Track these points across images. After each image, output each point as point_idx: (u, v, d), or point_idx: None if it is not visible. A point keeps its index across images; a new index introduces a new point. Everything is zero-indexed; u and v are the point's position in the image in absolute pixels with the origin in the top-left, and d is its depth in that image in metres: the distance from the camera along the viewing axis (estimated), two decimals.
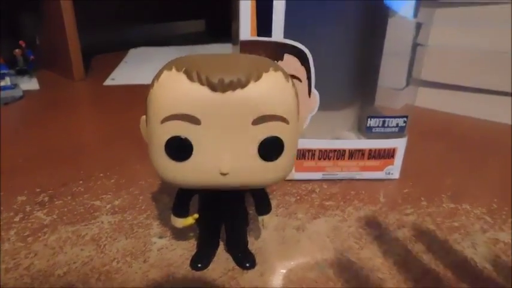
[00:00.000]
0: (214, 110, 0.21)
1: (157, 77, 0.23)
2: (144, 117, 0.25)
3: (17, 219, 0.34)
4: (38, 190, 0.39)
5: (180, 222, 0.27)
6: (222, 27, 1.28)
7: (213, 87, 0.21)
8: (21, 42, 0.75)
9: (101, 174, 0.42)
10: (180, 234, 0.32)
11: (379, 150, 0.39)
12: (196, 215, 0.27)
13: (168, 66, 0.23)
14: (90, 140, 0.51)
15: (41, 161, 0.45)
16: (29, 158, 0.46)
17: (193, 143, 0.22)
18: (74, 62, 0.76)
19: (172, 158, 0.22)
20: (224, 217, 0.28)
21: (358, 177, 0.40)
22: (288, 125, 0.22)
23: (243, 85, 0.21)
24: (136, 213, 0.35)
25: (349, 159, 0.39)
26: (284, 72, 0.23)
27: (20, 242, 0.31)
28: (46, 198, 0.37)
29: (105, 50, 1.00)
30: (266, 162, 0.23)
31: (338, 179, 0.40)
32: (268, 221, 0.28)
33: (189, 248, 0.31)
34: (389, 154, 0.40)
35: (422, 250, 0.30)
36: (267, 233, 0.32)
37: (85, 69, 0.78)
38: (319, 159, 0.39)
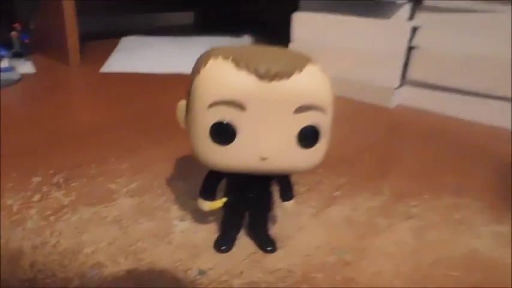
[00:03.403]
0: (259, 98, 0.23)
1: (203, 64, 0.24)
2: (182, 102, 0.26)
3: (35, 199, 0.35)
4: (51, 172, 0.39)
5: (208, 205, 0.28)
6: (210, 20, 1.29)
7: (260, 76, 0.22)
8: (16, 25, 0.74)
9: (113, 159, 0.42)
10: (200, 218, 0.33)
11: None
12: (224, 199, 0.28)
13: (213, 55, 0.24)
14: (96, 125, 0.51)
15: (50, 143, 0.45)
16: (37, 139, 0.46)
17: (237, 128, 0.23)
18: (70, 47, 0.76)
19: (216, 141, 0.24)
20: (250, 202, 0.29)
21: None
22: (325, 115, 0.24)
23: (288, 75, 0.23)
24: (154, 197, 0.36)
25: None
26: (319, 65, 0.25)
27: (42, 220, 0.32)
28: (61, 180, 0.38)
29: (96, 38, 0.99)
30: (303, 149, 0.24)
31: None
32: (290, 207, 0.29)
33: (211, 230, 0.32)
34: None
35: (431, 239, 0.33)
36: (285, 219, 0.34)
37: (80, 56, 0.78)
38: None
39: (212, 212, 0.30)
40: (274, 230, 0.32)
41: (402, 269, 0.29)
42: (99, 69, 0.76)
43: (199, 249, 0.30)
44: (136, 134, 0.48)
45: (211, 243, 0.30)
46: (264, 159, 0.24)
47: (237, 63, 0.23)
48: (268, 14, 0.75)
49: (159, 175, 0.39)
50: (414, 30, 0.61)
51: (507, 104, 0.56)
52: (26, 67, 0.72)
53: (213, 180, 0.28)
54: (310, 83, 0.23)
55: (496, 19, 0.54)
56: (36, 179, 0.38)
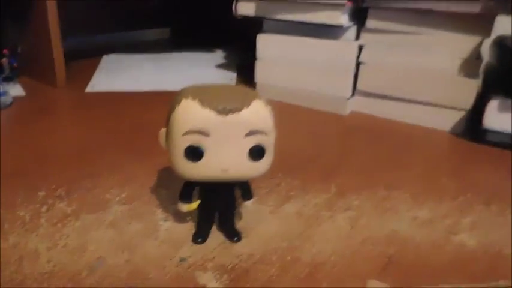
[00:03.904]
0: (219, 127, 0.32)
1: (177, 102, 0.32)
2: (163, 130, 0.34)
3: (43, 209, 0.42)
4: (53, 186, 0.46)
5: (186, 207, 0.37)
6: (185, 36, 1.37)
7: (219, 112, 0.31)
8: (5, 50, 0.80)
9: (105, 173, 0.50)
10: (180, 218, 0.41)
11: None
12: (198, 201, 0.37)
13: (185, 95, 0.32)
14: (86, 143, 0.59)
15: (47, 161, 0.53)
16: (35, 159, 0.53)
17: (204, 149, 0.32)
18: (57, 69, 0.82)
19: (189, 159, 0.32)
20: (219, 203, 0.38)
21: None
22: (267, 136, 0.33)
23: (239, 110, 0.31)
24: (142, 203, 0.44)
25: None
26: (264, 100, 0.33)
27: (51, 227, 0.40)
28: (63, 193, 0.45)
29: (78, 57, 1.06)
30: (253, 162, 0.33)
31: None
32: (250, 206, 0.38)
33: (189, 227, 0.40)
34: None
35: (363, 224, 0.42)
36: (249, 215, 0.42)
37: None
38: None
39: (189, 213, 0.38)
40: (239, 224, 0.41)
41: (337, 248, 0.38)
42: (84, 89, 0.83)
43: (181, 242, 0.38)
44: (123, 151, 0.56)
45: (190, 237, 0.39)
46: (224, 170, 0.33)
47: (202, 102, 0.32)
48: (237, 32, 0.83)
49: (145, 185, 0.47)
50: (361, 48, 0.70)
51: (442, 109, 0.66)
52: (16, 90, 0.78)
53: (188, 188, 0.37)
54: (255, 115, 0.32)
55: (427, 40, 0.64)
56: (41, 193, 0.45)
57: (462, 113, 0.65)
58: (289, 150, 0.57)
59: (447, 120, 0.66)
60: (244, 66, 1.00)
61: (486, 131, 0.60)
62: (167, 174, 0.50)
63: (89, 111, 0.72)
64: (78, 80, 0.87)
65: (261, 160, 0.34)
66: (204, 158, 0.32)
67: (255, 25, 0.79)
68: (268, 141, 0.33)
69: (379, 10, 0.66)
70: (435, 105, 0.66)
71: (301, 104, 0.76)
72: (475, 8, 0.59)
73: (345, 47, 0.71)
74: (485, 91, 0.61)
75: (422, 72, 0.66)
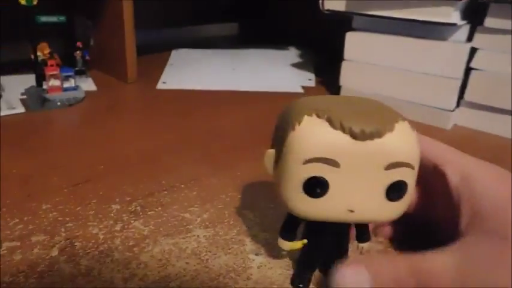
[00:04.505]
0: (352, 156, 0.24)
1: (297, 121, 0.25)
2: (271, 151, 0.27)
3: (118, 227, 0.37)
4: (128, 199, 0.41)
5: (288, 246, 0.30)
6: (255, 31, 1.31)
7: (354, 136, 0.24)
8: (78, 43, 0.78)
9: (182, 186, 0.44)
10: (273, 252, 0.34)
11: None
12: (305, 241, 0.30)
13: (307, 112, 0.25)
14: (158, 148, 0.53)
15: (118, 167, 0.48)
16: (105, 164, 0.48)
17: (329, 182, 0.25)
18: (129, 64, 0.79)
19: (308, 194, 0.25)
20: (329, 244, 0.30)
21: None
22: (413, 170, 0.25)
23: (380, 135, 0.24)
24: (227, 228, 0.38)
25: None
26: (407, 123, 0.26)
27: (127, 251, 0.34)
28: (138, 208, 0.40)
29: (148, 51, 1.03)
30: (390, 202, 0.25)
31: None
32: (366, 248, 0.30)
33: (285, 266, 0.33)
34: None
35: None
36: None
37: None
38: None
39: (290, 252, 0.31)
40: None
41: None
42: (154, 85, 0.79)
43: (277, 286, 0.31)
44: (199, 160, 0.50)
45: (286, 279, 0.32)
46: (351, 211, 0.25)
47: (332, 122, 0.24)
48: (315, 29, 0.75)
49: (228, 204, 0.41)
50: (473, 51, 0.60)
51: None
52: (88, 84, 0.76)
53: (293, 223, 0.30)
54: (401, 142, 0.24)
55: None
56: (115, 207, 0.40)
57: None
58: None
59: None
60: (321, 67, 0.92)
61: None
62: (252, 191, 0.44)
63: (160, 111, 0.67)
64: (149, 75, 0.83)
65: (400, 200, 0.26)
66: (327, 195, 0.25)
67: (338, 23, 0.70)
68: (412, 177, 0.25)
69: (504, 5, 0.56)
70: None
71: None
72: None
73: (453, 49, 0.61)
74: None
75: None
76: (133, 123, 0.61)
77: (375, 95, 0.67)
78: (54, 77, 0.66)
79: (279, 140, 0.26)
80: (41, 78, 0.66)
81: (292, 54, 1.03)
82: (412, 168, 0.25)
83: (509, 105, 0.58)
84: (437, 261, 0.25)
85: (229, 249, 0.35)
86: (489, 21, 0.58)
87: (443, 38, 0.62)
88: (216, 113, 0.66)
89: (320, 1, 0.71)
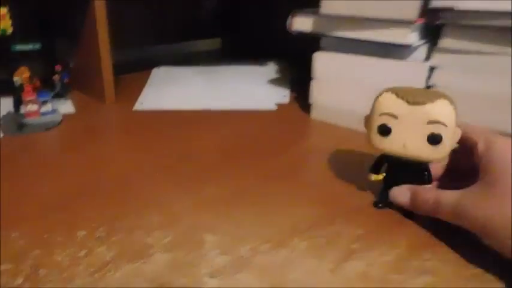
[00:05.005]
0: (406, 113, 0.42)
1: (380, 94, 0.44)
2: (367, 115, 0.45)
3: (82, 254, 0.39)
4: (94, 225, 0.43)
5: (374, 177, 0.46)
6: (236, 47, 1.34)
7: (408, 102, 0.41)
8: (57, 66, 0.80)
9: (147, 210, 0.46)
10: (227, 275, 0.36)
11: None
12: (384, 174, 0.46)
13: (386, 90, 0.44)
14: (129, 172, 0.55)
15: (88, 193, 0.50)
16: (77, 190, 0.50)
17: (392, 128, 0.42)
18: (106, 85, 0.81)
19: (380, 134, 0.43)
20: (400, 179, 0.45)
21: None
22: (446, 127, 0.40)
23: (424, 103, 0.41)
24: (187, 251, 0.40)
25: None
26: (450, 100, 0.41)
27: (89, 277, 0.36)
28: (103, 234, 0.42)
29: (129, 70, 1.05)
30: (431, 145, 0.41)
31: None
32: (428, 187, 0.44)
33: (235, 285, 0.35)
34: None
35: None
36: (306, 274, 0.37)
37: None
38: None
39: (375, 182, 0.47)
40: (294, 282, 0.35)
41: None
42: (132, 106, 0.81)
43: None
44: (167, 182, 0.52)
45: None
46: (405, 147, 0.42)
47: (397, 95, 0.42)
48: (294, 44, 0.77)
49: (191, 227, 0.43)
50: (431, 70, 0.63)
51: None
52: (66, 107, 0.78)
53: (378, 163, 0.46)
54: (438, 108, 0.41)
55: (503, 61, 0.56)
56: (81, 233, 0.42)
57: None
58: (347, 186, 0.51)
59: None
60: (299, 81, 0.94)
61: None
62: (215, 214, 0.46)
63: (136, 133, 0.69)
64: (128, 95, 0.86)
65: (438, 146, 0.41)
66: (391, 135, 0.43)
67: (311, 39, 0.73)
68: (446, 132, 0.40)
69: (457, 27, 0.59)
70: None
71: (361, 128, 0.69)
72: None
73: (413, 68, 0.64)
74: None
75: (504, 100, 0.58)
76: (106, 147, 0.63)
77: (343, 110, 0.70)
78: (32, 102, 0.68)
79: (371, 107, 0.44)
80: (18, 103, 0.68)
81: (270, 70, 1.05)
82: (445, 125, 0.40)
83: (470, 119, 0.61)
84: (448, 196, 0.39)
85: (186, 273, 0.37)
86: (444, 42, 0.60)
87: (403, 57, 0.64)
88: (189, 134, 0.68)
89: (288, 22, 0.74)
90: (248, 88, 0.91)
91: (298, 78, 0.97)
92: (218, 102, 0.82)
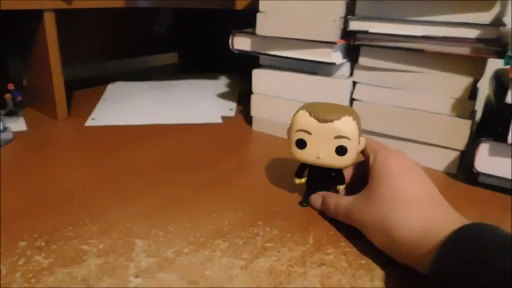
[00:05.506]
0: (318, 129, 0.48)
1: (297, 111, 0.51)
2: (288, 127, 0.52)
3: (20, 262, 0.43)
4: (35, 235, 0.47)
5: (298, 181, 0.53)
6: (193, 61, 1.39)
7: (319, 120, 0.48)
8: (9, 85, 0.83)
9: (87, 220, 0.51)
10: (152, 274, 0.41)
11: None
12: (305, 178, 0.53)
13: (302, 108, 0.50)
14: (75, 185, 0.59)
15: (35, 205, 0.54)
16: (23, 203, 0.54)
17: (307, 142, 0.49)
18: (58, 102, 0.84)
19: (298, 147, 0.50)
20: (319, 182, 0.53)
21: None
22: (350, 141, 0.48)
23: (332, 121, 0.48)
24: (117, 255, 0.44)
25: None
26: (354, 116, 0.48)
27: (25, 283, 0.40)
28: (43, 244, 0.46)
29: (85, 86, 1.08)
30: (338, 156, 0.49)
31: None
32: (342, 189, 0.53)
33: (159, 284, 0.40)
34: None
35: None
36: (219, 271, 0.42)
37: (67, 107, 0.86)
38: None
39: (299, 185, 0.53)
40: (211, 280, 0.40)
41: None
42: (84, 122, 0.84)
43: None
44: (108, 194, 0.57)
45: None
46: (318, 158, 0.49)
47: (310, 113, 0.49)
48: (244, 57, 0.83)
49: (124, 234, 0.48)
50: (355, 84, 0.70)
51: (436, 149, 0.64)
52: (18, 125, 0.81)
53: (301, 169, 0.53)
54: (343, 125, 0.48)
55: (419, 79, 0.63)
56: (22, 244, 0.46)
57: (456, 153, 0.63)
58: (275, 192, 0.57)
59: (441, 160, 0.65)
60: (246, 95, 1.00)
61: (478, 173, 0.59)
62: (147, 221, 0.50)
63: (84, 149, 0.73)
64: (82, 111, 0.89)
65: (344, 156, 0.49)
66: (306, 147, 0.50)
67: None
68: (350, 144, 0.48)
69: (371, 48, 0.66)
70: (429, 144, 0.65)
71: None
72: (465, 50, 0.57)
73: (338, 83, 0.70)
74: (478, 133, 0.59)
75: (414, 111, 0.65)
76: (55, 162, 0.67)
77: (280, 123, 0.76)
78: None
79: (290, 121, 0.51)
80: None
81: (220, 84, 1.11)
82: (348, 139, 0.48)
83: (385, 130, 0.68)
84: (343, 202, 0.48)
85: (114, 274, 0.42)
86: (362, 60, 0.68)
87: (330, 73, 0.71)
88: (135, 148, 0.73)
89: (230, 41, 0.80)
90: (197, 102, 0.96)
91: (246, 91, 1.03)
92: (167, 116, 0.87)
